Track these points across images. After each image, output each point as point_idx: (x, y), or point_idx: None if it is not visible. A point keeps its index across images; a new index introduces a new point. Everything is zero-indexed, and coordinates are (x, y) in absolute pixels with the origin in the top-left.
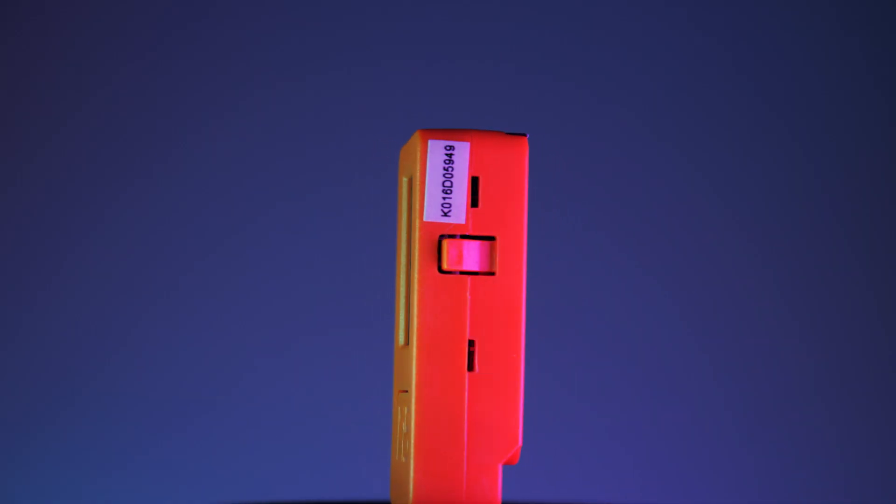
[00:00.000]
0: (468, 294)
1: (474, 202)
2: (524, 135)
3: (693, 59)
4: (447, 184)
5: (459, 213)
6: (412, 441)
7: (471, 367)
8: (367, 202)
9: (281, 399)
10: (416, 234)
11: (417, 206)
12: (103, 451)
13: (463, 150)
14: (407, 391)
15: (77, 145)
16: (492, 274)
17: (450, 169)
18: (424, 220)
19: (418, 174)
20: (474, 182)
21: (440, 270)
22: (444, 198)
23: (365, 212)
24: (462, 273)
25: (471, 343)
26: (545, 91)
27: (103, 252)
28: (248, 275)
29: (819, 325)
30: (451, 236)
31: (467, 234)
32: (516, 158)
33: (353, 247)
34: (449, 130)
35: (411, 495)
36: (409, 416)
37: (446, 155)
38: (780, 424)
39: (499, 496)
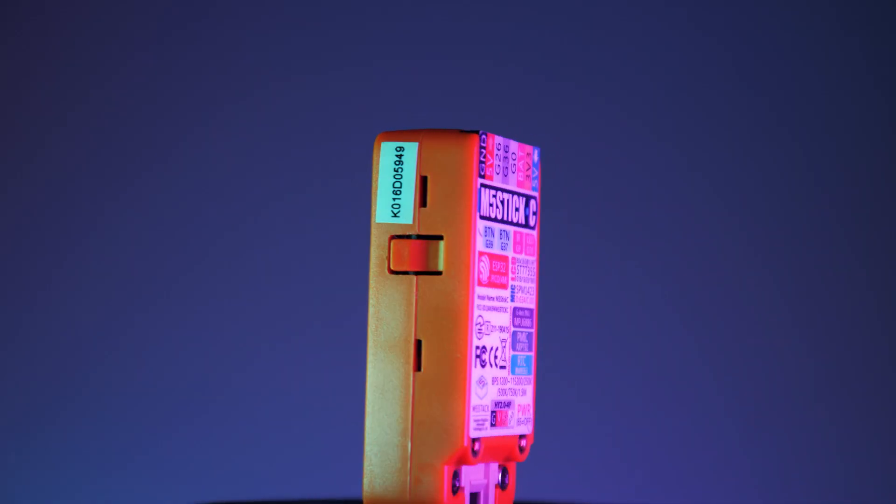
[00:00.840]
0: (415, 294)
1: (424, 202)
2: (476, 132)
3: (693, 59)
4: (397, 185)
5: (408, 214)
6: (363, 440)
7: (418, 368)
8: (368, 202)
9: (280, 398)
10: (370, 236)
11: (372, 208)
12: (103, 451)
13: (412, 151)
14: None
15: (75, 146)
16: (439, 273)
17: (399, 170)
18: (376, 221)
19: (372, 176)
20: (424, 182)
21: (390, 271)
22: (394, 199)
23: (365, 212)
24: (410, 273)
25: (419, 343)
26: (544, 91)
27: (102, 253)
28: (247, 275)
29: (819, 325)
30: (401, 236)
31: (416, 233)
32: (464, 157)
33: (353, 247)
34: (406, 132)
35: (363, 493)
36: None
37: (396, 156)
38: (781, 425)
39: (444, 496)
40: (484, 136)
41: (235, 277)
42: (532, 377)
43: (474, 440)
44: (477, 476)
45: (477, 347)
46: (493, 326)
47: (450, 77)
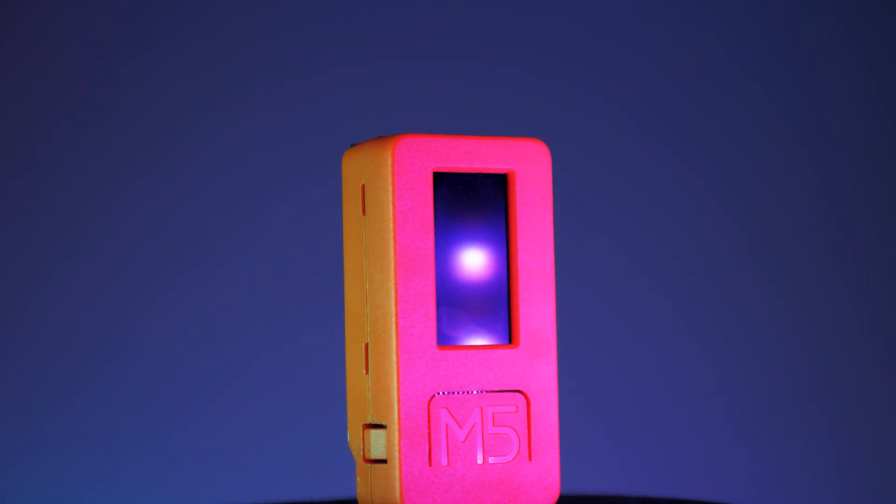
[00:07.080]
0: None
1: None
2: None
3: (693, 60)
4: None
5: None
6: None
7: None
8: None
9: (280, 398)
10: None
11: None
12: (103, 450)
13: None
14: None
15: (71, 146)
16: None
17: None
18: None
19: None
20: None
21: None
22: None
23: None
24: None
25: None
26: (540, 94)
27: (99, 253)
28: (246, 275)
29: (820, 326)
30: None
31: None
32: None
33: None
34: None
35: None
36: None
37: None
38: (782, 425)
39: None
40: None
41: (236, 277)
42: None
43: None
44: None
45: None
46: None
47: (449, 78)
